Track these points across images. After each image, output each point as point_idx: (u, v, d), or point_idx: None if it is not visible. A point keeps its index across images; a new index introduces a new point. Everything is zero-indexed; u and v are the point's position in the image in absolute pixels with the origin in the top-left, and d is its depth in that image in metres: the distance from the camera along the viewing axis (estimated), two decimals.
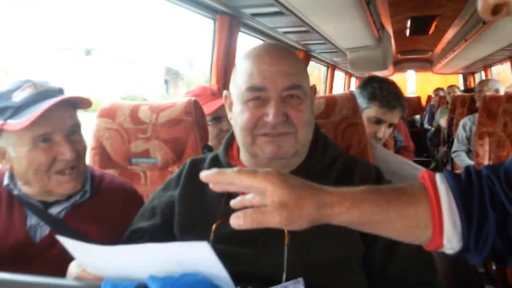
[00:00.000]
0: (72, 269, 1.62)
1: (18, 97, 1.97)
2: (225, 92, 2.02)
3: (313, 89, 1.97)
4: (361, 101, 3.33)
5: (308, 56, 7.84)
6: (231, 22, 4.47)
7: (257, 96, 1.80)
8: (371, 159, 2.49)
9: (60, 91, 2.07)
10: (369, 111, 3.33)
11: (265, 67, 1.79)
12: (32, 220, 2.07)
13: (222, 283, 1.20)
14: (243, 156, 1.98)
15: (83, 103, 2.11)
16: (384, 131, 3.35)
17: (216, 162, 2.04)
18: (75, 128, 2.09)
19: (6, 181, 2.11)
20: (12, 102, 1.96)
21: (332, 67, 10.57)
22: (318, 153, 1.95)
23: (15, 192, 2.09)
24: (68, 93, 2.09)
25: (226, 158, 2.02)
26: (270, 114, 1.75)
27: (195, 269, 1.19)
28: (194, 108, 2.78)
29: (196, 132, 2.76)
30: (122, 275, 1.27)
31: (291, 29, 5.54)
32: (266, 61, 1.80)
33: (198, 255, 1.18)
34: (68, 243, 1.34)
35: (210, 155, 2.11)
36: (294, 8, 4.22)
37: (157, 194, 2.10)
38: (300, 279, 1.60)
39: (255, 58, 1.84)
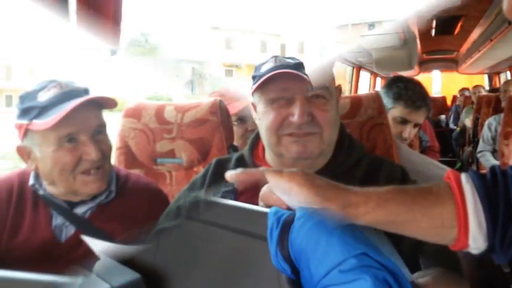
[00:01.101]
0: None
1: (43, 97, 1.98)
2: None
3: (339, 89, 1.96)
4: (387, 101, 3.32)
5: None
6: None
7: (282, 96, 1.79)
8: (396, 160, 2.47)
9: (85, 91, 2.08)
10: (394, 111, 3.32)
11: None
12: (57, 220, 2.08)
13: None
14: (269, 156, 1.98)
15: (108, 103, 2.11)
16: (409, 131, 3.33)
17: (241, 162, 2.04)
18: (101, 128, 2.10)
19: (31, 181, 2.12)
20: (37, 102, 1.97)
21: (357, 67, 10.54)
22: (343, 153, 1.94)
23: (41, 192, 2.10)
24: (94, 93, 2.10)
25: (251, 158, 2.02)
26: (295, 114, 1.74)
27: None
28: (219, 108, 2.78)
29: (222, 132, 2.77)
30: None
31: None
32: None
33: None
34: (94, 243, 1.34)
35: (235, 155, 2.10)
36: None
37: (182, 194, 2.10)
38: None
39: None
